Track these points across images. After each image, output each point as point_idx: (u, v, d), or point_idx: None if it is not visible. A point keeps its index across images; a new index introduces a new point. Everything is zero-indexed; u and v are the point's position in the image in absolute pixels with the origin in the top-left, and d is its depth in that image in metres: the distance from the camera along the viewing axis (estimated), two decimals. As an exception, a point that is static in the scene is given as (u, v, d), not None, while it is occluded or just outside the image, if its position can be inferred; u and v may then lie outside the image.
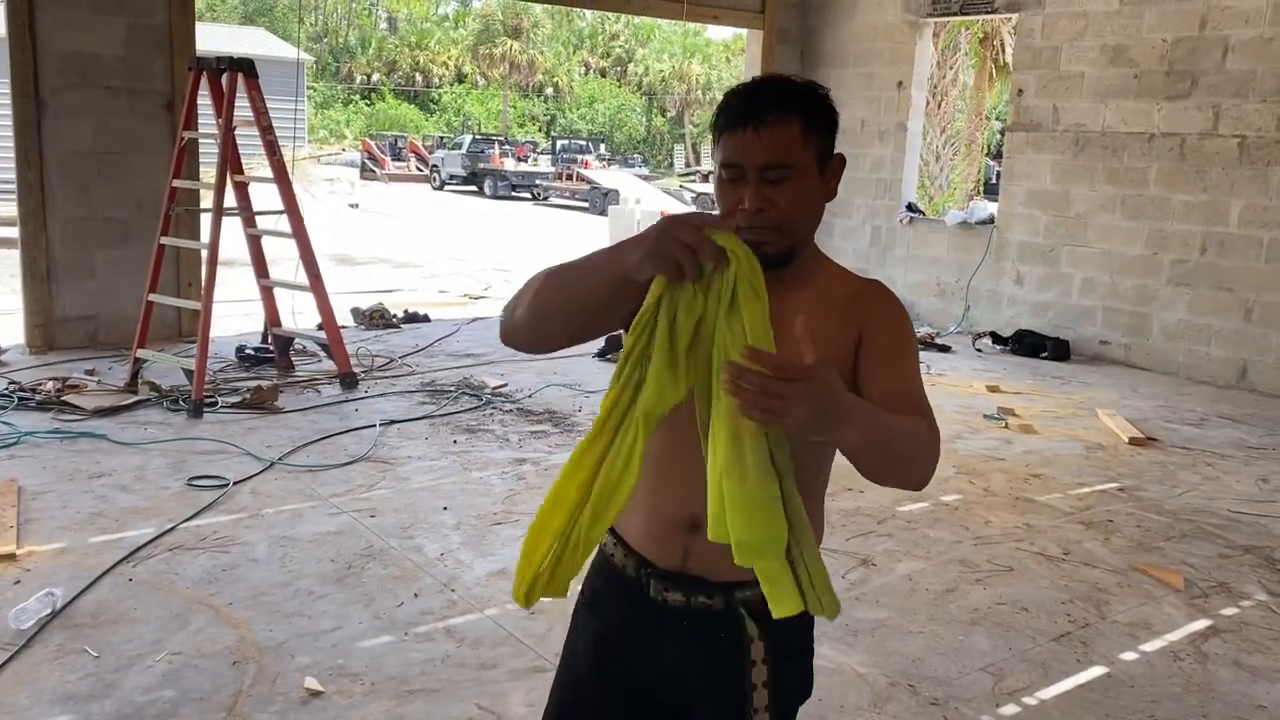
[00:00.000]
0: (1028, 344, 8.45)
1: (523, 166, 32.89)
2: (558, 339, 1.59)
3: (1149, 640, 3.50)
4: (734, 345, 1.37)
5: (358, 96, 47.84)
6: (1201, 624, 3.64)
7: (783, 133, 1.46)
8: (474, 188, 31.60)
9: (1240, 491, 5.16)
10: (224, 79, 6.02)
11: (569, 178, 29.41)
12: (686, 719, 1.63)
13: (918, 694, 3.08)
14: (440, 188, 32.44)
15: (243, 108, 6.10)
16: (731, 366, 1.24)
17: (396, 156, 35.80)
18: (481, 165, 31.81)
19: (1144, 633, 3.55)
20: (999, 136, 23.63)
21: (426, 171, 34.45)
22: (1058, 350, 8.32)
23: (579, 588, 1.73)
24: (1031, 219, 8.80)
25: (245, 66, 6.01)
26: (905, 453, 1.42)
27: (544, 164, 33.84)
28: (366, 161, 33.92)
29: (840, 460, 1.57)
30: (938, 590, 3.82)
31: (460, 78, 49.16)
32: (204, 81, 6.13)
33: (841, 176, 1.58)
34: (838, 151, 1.56)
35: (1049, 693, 3.13)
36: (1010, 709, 3.03)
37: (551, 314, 1.53)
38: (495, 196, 30.19)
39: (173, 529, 4.02)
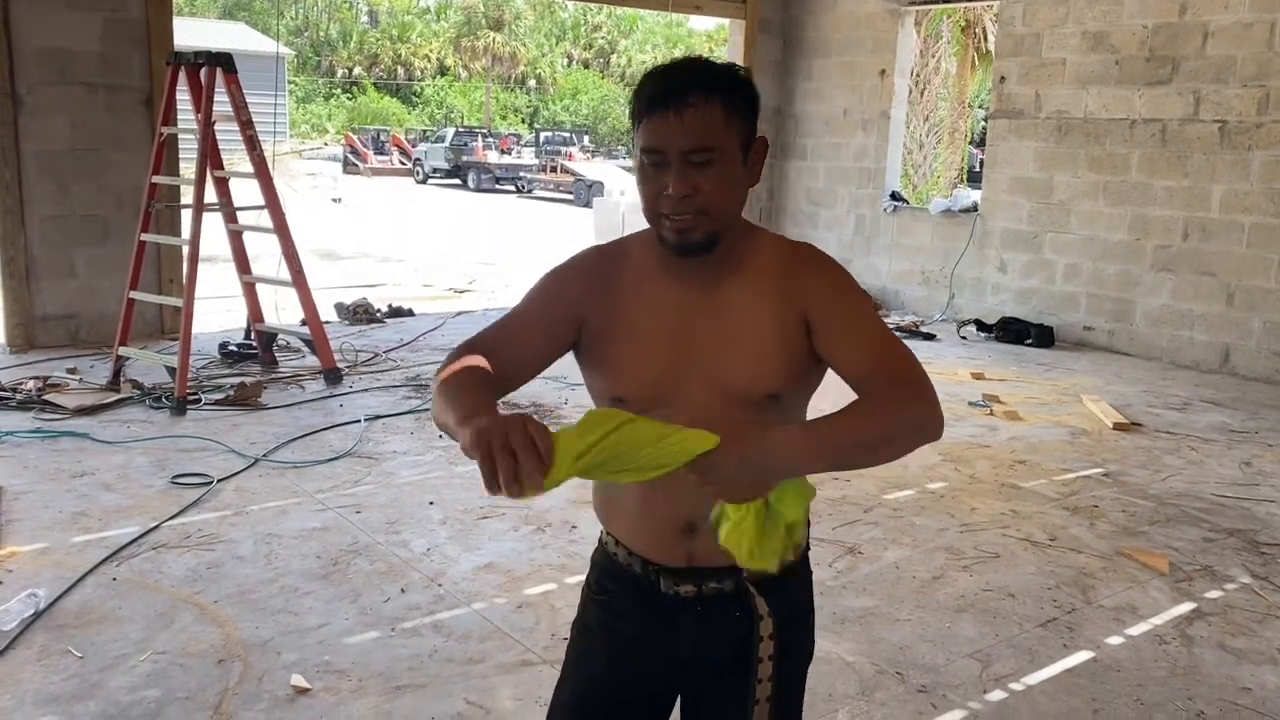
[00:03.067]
0: (1012, 331, 8.48)
1: (506, 159, 32.75)
2: None
3: (1134, 624, 3.51)
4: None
5: (339, 90, 47.56)
6: (1186, 607, 3.66)
7: (704, 115, 1.42)
8: (457, 181, 31.46)
9: (1224, 475, 5.18)
10: (202, 74, 5.98)
11: (553, 170, 29.32)
12: (701, 701, 1.66)
13: (905, 681, 3.08)
14: (424, 181, 32.29)
15: (222, 103, 6.05)
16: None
17: (379, 150, 35.62)
18: (465, 158, 31.67)
19: (1130, 617, 3.57)
20: (982, 124, 23.67)
21: (409, 165, 34.29)
22: (1042, 337, 8.35)
23: (582, 582, 1.74)
24: (1015, 206, 8.82)
25: (223, 61, 5.96)
26: (888, 439, 1.40)
27: (528, 156, 33.70)
28: (349, 156, 33.75)
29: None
30: (924, 578, 3.83)
31: (442, 70, 48.92)
32: (183, 77, 6.08)
33: (765, 159, 1.53)
34: (760, 135, 1.52)
35: (1036, 678, 3.14)
36: (997, 695, 3.04)
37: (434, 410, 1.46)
38: (479, 190, 30.07)
39: (156, 527, 3.99)
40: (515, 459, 1.18)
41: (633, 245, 1.61)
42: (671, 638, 1.61)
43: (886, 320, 7.60)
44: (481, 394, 1.40)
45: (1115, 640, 3.39)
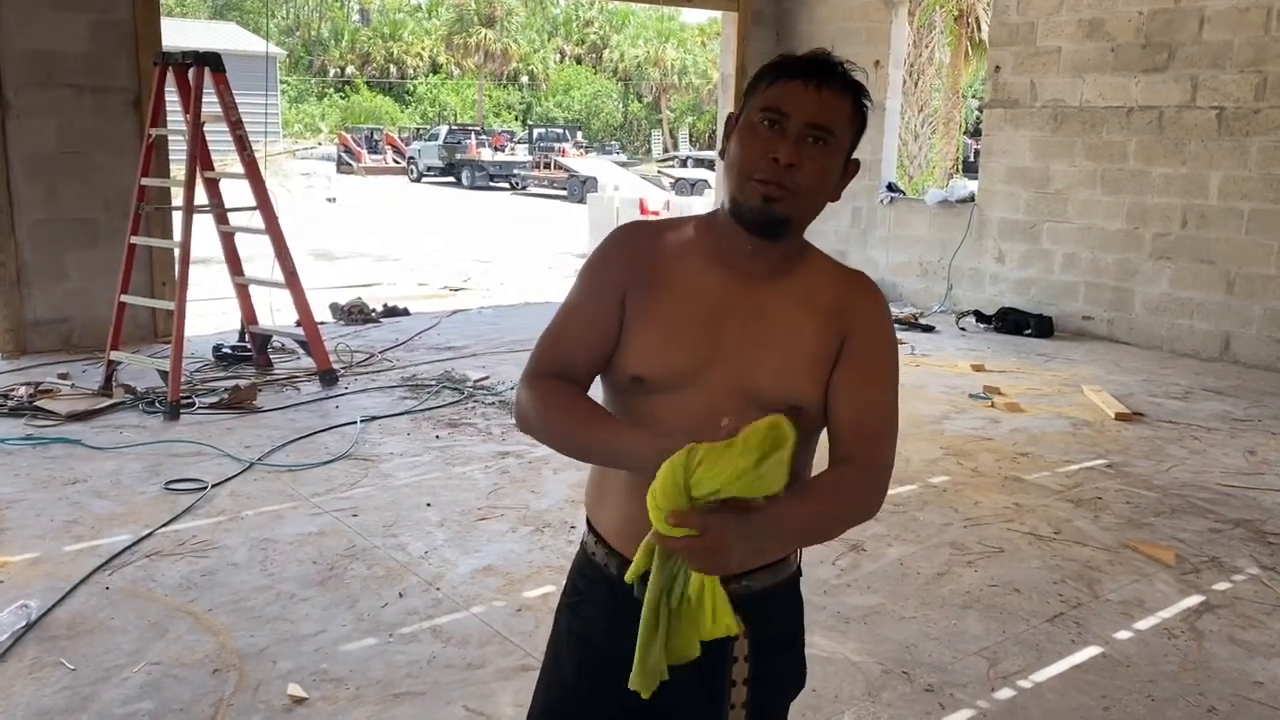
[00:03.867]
0: (1011, 322, 8.44)
1: (500, 156, 32.69)
2: None
3: (1143, 618, 3.47)
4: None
5: (332, 90, 47.43)
6: (1194, 600, 3.62)
7: (838, 102, 1.44)
8: (452, 179, 31.41)
9: (1228, 464, 5.14)
10: (190, 74, 5.91)
11: (547, 166, 29.27)
12: (672, 718, 1.58)
13: (912, 681, 3.04)
14: (418, 180, 32.21)
15: (212, 103, 5.98)
16: (661, 539, 1.33)
17: (373, 149, 35.54)
18: (459, 156, 31.61)
19: (1137, 611, 3.52)
20: (976, 115, 23.62)
21: (403, 164, 34.21)
22: (1041, 327, 8.30)
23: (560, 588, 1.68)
24: (1012, 196, 8.77)
25: (211, 60, 5.89)
26: (844, 522, 1.53)
27: (521, 153, 33.66)
28: (343, 155, 33.67)
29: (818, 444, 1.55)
30: (929, 574, 3.78)
31: (435, 68, 48.79)
32: (172, 78, 6.01)
33: (850, 182, 1.54)
34: (856, 157, 1.52)
35: (1044, 675, 3.09)
36: (1006, 693, 2.99)
37: (562, 449, 1.55)
38: (473, 187, 30.01)
39: (150, 535, 3.94)
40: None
41: (686, 225, 1.57)
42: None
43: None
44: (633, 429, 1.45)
45: (1124, 635, 3.35)
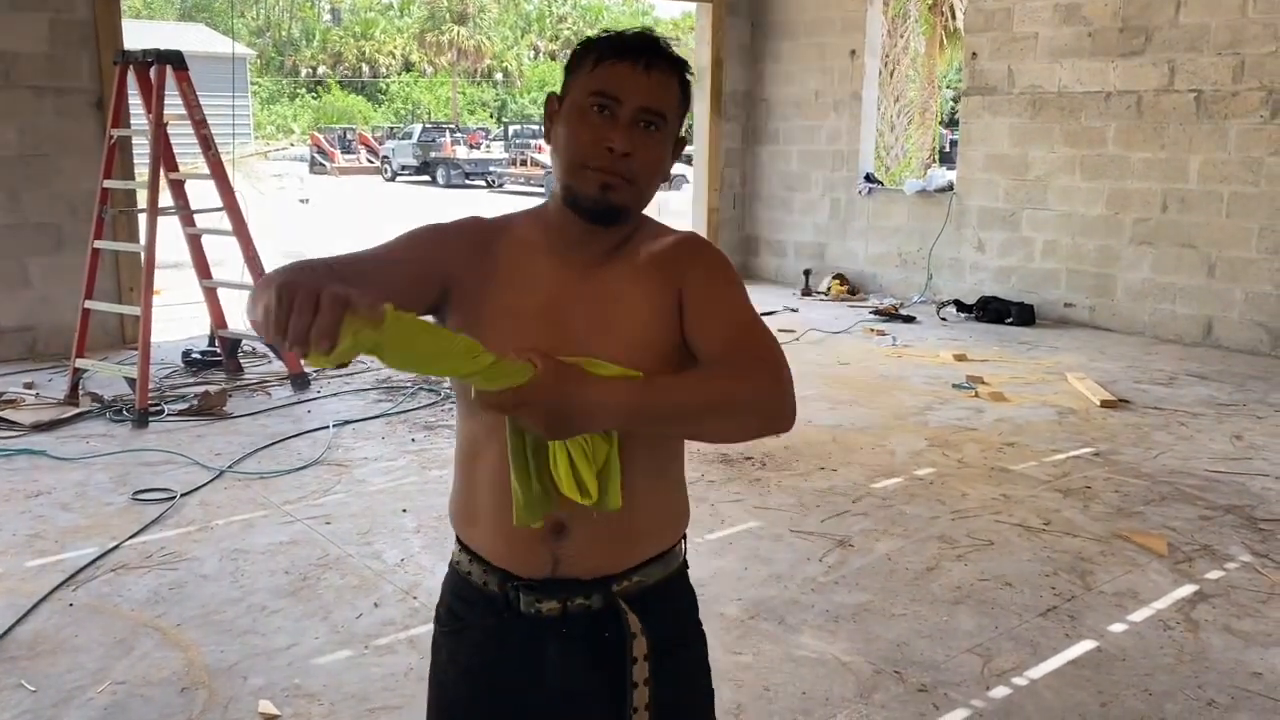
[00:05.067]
0: (992, 310, 8.38)
1: (475, 154, 32.49)
2: None
3: (1137, 610, 3.40)
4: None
5: (304, 90, 47.04)
6: (1188, 589, 3.55)
7: (667, 84, 1.38)
8: (427, 178, 31.18)
9: (1216, 450, 5.09)
10: (152, 72, 5.76)
11: (523, 163, 29.06)
12: None
13: (904, 680, 2.95)
14: (392, 179, 31.97)
15: (176, 103, 5.84)
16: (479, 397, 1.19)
17: (346, 149, 35.26)
18: (433, 154, 31.38)
19: (1131, 602, 3.45)
20: (952, 104, 23.61)
21: (377, 163, 33.95)
22: (1022, 315, 8.25)
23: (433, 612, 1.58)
24: (990, 184, 8.71)
25: (173, 58, 5.74)
26: (720, 409, 1.28)
27: (497, 151, 33.43)
28: (316, 155, 33.36)
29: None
30: (918, 569, 3.70)
31: (407, 66, 48.46)
32: (135, 78, 5.86)
33: (678, 161, 1.48)
34: (682, 137, 1.45)
35: (1039, 671, 3.02)
36: (1001, 691, 2.91)
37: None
38: (449, 186, 29.80)
39: (116, 548, 3.81)
40: (314, 315, 1.01)
41: (517, 221, 1.50)
42: (533, 669, 1.44)
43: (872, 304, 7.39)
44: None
45: (1119, 628, 3.28)
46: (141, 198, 5.97)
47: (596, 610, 1.42)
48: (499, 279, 1.43)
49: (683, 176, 25.39)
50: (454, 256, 1.43)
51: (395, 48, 47.95)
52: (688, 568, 1.56)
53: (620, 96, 1.34)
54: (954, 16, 16.26)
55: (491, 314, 1.40)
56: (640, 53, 1.36)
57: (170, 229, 6.04)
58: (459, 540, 1.52)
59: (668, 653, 1.45)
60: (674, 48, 1.41)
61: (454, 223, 1.50)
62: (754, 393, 1.28)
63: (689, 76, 1.43)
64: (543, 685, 1.45)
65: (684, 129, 1.46)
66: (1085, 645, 3.17)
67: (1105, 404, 5.84)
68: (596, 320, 1.39)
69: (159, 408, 5.53)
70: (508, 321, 1.39)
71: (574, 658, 1.43)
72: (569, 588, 1.41)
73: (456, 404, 1.50)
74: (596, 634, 1.42)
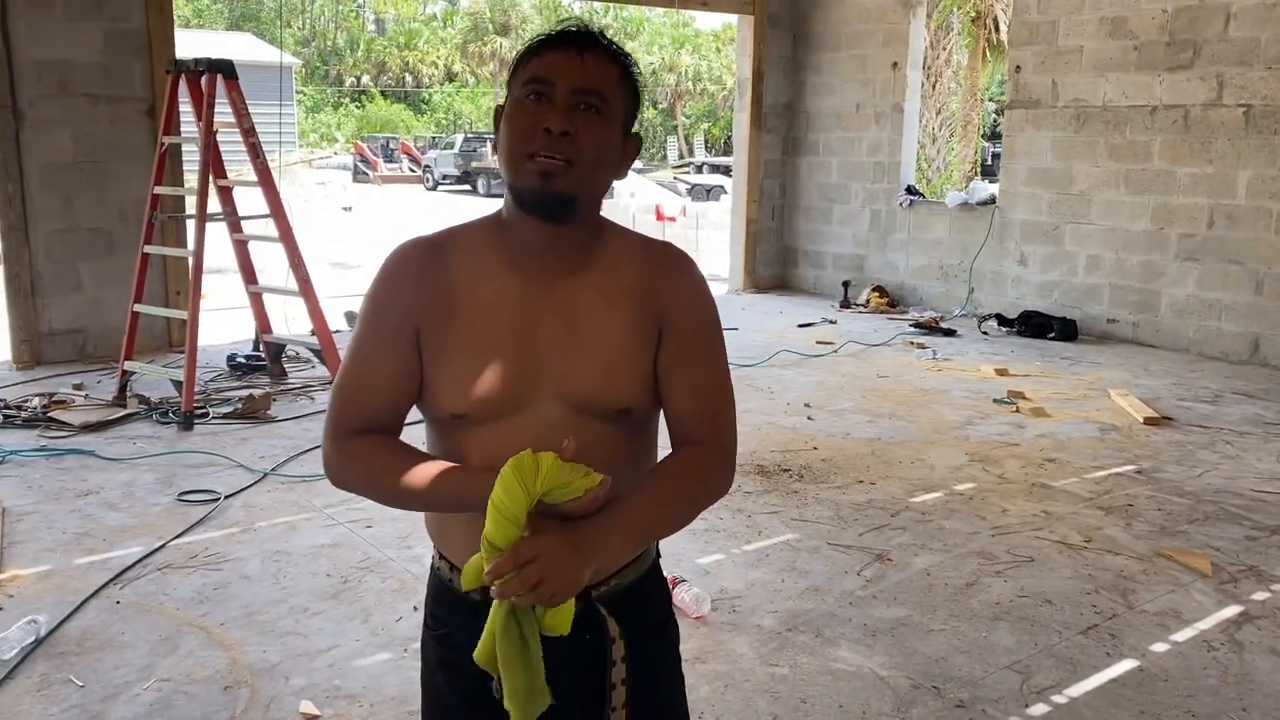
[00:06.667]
0: (1034, 325, 8.31)
1: (516, 164, 32.59)
2: None
3: (1180, 630, 3.36)
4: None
5: (348, 99, 47.60)
6: (1233, 610, 3.50)
7: (604, 67, 1.37)
8: (468, 187, 31.41)
9: (1262, 470, 5.01)
10: (203, 81, 5.87)
11: (562, 173, 29.15)
12: None
13: (942, 696, 2.94)
14: (434, 188, 32.23)
15: (226, 111, 5.95)
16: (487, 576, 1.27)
17: (389, 158, 35.56)
18: (475, 164, 31.61)
19: (1174, 622, 3.41)
20: (994, 117, 23.46)
21: (419, 172, 34.25)
22: (1065, 330, 8.17)
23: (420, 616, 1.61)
24: (1033, 198, 8.65)
25: (224, 68, 5.85)
26: (694, 505, 1.44)
27: (537, 160, 33.55)
28: (359, 164, 33.72)
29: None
30: (957, 585, 3.68)
31: (450, 77, 48.89)
32: (186, 87, 5.97)
33: (635, 159, 1.45)
34: (636, 132, 1.43)
35: (1079, 689, 2.99)
36: (1040, 709, 2.89)
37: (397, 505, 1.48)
38: (490, 195, 29.97)
39: (162, 547, 3.88)
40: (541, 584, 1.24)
41: (465, 235, 1.47)
42: None
43: (907, 319, 7.31)
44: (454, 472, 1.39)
45: (1161, 647, 3.24)
46: (190, 204, 6.08)
47: (578, 614, 1.41)
48: (461, 310, 1.41)
49: (721, 187, 25.44)
50: (410, 303, 1.42)
51: (438, 58, 48.39)
52: (659, 556, 1.58)
53: (554, 79, 1.34)
54: (997, 29, 16.16)
55: (457, 345, 1.40)
56: (573, 40, 1.36)
57: (218, 235, 6.13)
58: (436, 548, 1.53)
59: (642, 641, 1.48)
60: (618, 45, 1.41)
61: (396, 266, 1.46)
62: (709, 495, 1.45)
63: (634, 70, 1.41)
64: None
65: (637, 125, 1.43)
66: (1127, 664, 3.13)
67: (1148, 421, 5.77)
68: (567, 340, 1.38)
69: (204, 410, 5.62)
70: (475, 350, 1.39)
71: (557, 661, 1.42)
72: None
73: (426, 428, 1.50)
74: (576, 637, 1.42)
